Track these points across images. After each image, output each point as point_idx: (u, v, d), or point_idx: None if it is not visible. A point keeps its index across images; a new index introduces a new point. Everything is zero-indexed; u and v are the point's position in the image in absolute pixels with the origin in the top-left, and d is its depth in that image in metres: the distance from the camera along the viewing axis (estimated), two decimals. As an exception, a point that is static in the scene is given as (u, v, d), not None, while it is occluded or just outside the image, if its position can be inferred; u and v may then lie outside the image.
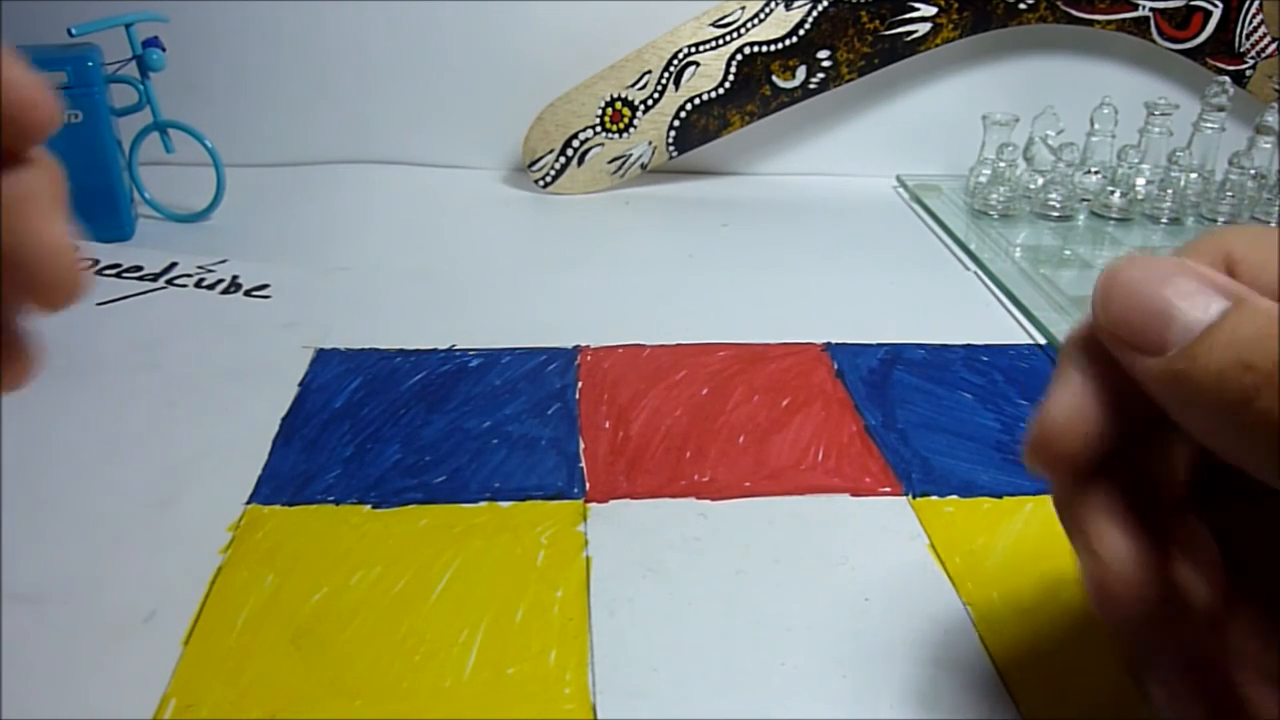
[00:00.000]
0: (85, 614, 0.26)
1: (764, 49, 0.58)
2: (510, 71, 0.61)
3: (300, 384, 0.37)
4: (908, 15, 0.58)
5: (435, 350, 0.40)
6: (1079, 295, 0.46)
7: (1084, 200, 0.57)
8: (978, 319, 0.45)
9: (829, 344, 0.41)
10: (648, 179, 0.61)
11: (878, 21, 0.58)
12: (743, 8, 0.58)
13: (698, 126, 0.59)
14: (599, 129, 0.58)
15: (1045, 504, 0.32)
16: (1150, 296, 0.19)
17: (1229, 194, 0.56)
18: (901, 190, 0.62)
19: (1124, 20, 0.60)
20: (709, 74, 0.58)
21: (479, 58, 0.61)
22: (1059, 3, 0.59)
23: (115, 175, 0.49)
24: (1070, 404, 0.21)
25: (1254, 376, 0.17)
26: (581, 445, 0.34)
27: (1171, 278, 0.19)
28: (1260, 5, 0.59)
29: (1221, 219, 0.56)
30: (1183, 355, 0.19)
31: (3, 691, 0.24)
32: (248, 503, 0.31)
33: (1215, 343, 0.18)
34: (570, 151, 0.59)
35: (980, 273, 0.50)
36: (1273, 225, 0.56)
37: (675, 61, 0.58)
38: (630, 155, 0.59)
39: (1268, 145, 0.55)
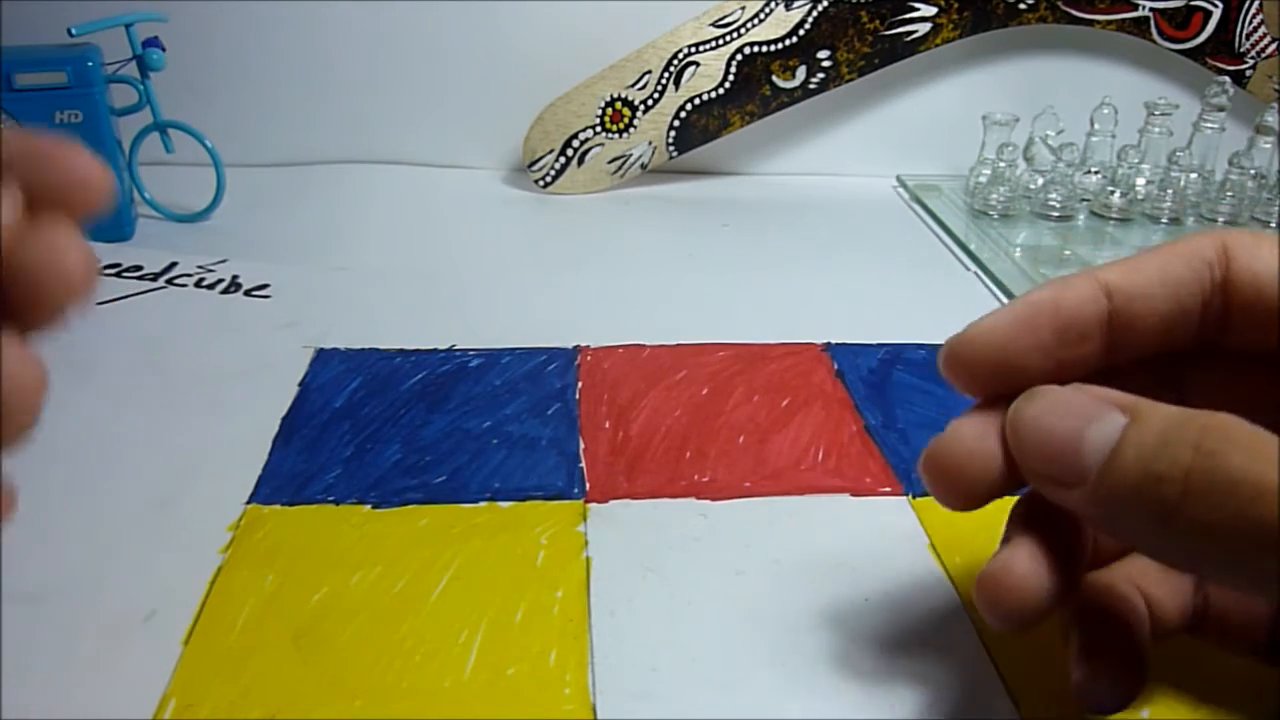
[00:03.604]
0: (85, 614, 0.26)
1: (764, 49, 0.58)
2: (510, 71, 0.61)
3: (300, 384, 0.37)
4: (908, 15, 0.58)
5: (435, 350, 0.40)
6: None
7: (1084, 200, 0.57)
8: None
9: (829, 344, 0.41)
10: (648, 179, 0.61)
11: (878, 21, 0.58)
12: (743, 8, 0.58)
13: (698, 126, 0.59)
14: (599, 129, 0.58)
15: (1045, 504, 0.32)
16: (1056, 431, 0.20)
17: (1229, 194, 0.56)
18: (901, 190, 0.62)
19: (1124, 20, 0.60)
20: (709, 74, 0.58)
21: (479, 58, 0.61)
22: (1059, 3, 0.59)
23: (115, 175, 0.49)
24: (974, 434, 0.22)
25: (1170, 487, 0.18)
26: (581, 445, 0.34)
27: (1069, 406, 0.20)
28: (1260, 5, 0.59)
29: (1221, 219, 0.56)
30: (1099, 481, 0.19)
31: (2, 691, 0.24)
32: (248, 503, 0.31)
33: (1124, 461, 0.19)
34: (570, 151, 0.59)
35: (980, 273, 0.50)
36: (1273, 225, 0.56)
37: (675, 61, 0.58)
38: (630, 155, 0.59)
39: (1268, 145, 0.55)
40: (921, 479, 0.23)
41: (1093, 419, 0.20)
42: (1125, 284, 0.22)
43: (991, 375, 0.23)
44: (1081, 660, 0.23)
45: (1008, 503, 0.32)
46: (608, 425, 0.35)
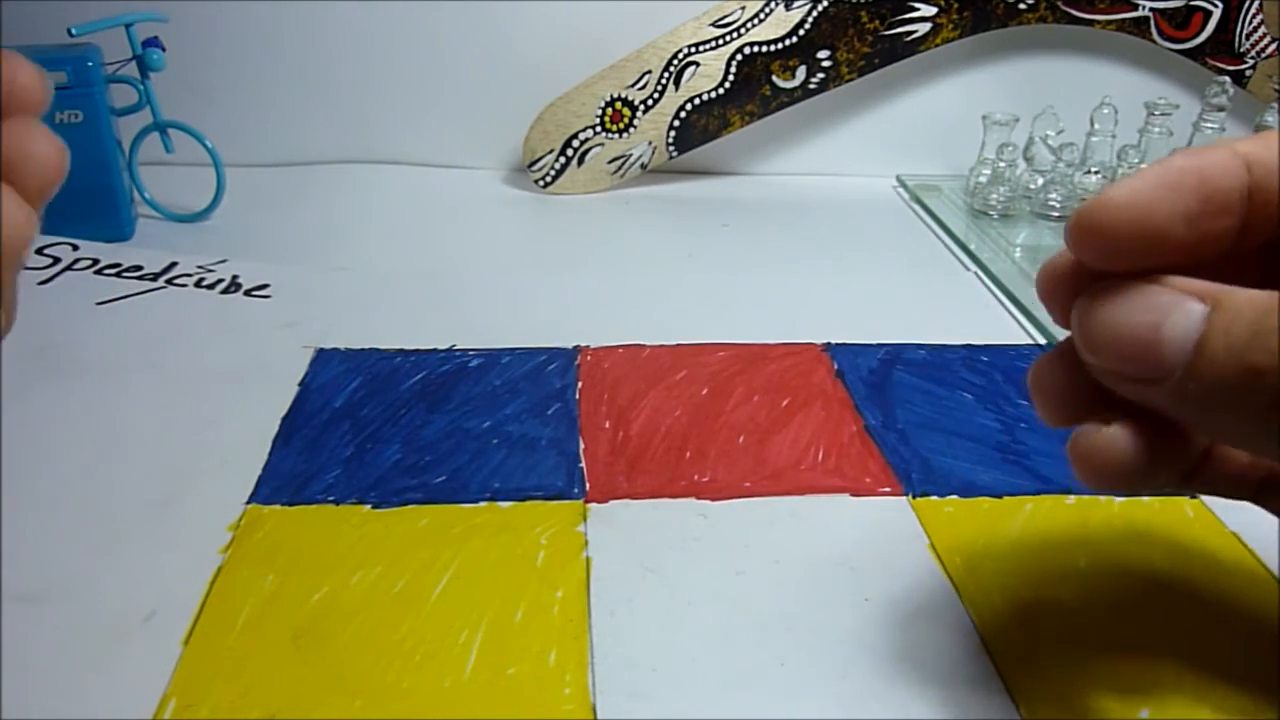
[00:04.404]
0: (85, 614, 0.26)
1: (764, 49, 0.58)
2: (510, 71, 0.61)
3: (300, 384, 0.37)
4: (908, 15, 0.58)
5: (435, 350, 0.40)
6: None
7: (1084, 200, 0.57)
8: (978, 319, 0.45)
9: (829, 344, 0.41)
10: (648, 179, 0.61)
11: (878, 21, 0.58)
12: (743, 8, 0.58)
13: (698, 126, 0.59)
14: (599, 129, 0.58)
15: (1045, 504, 0.32)
16: (1131, 327, 0.19)
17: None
18: (901, 190, 0.62)
19: (1124, 20, 0.60)
20: (709, 74, 0.58)
21: (479, 58, 0.61)
22: (1059, 3, 0.59)
23: (115, 175, 0.49)
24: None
25: (1270, 378, 0.17)
26: (581, 445, 0.34)
27: (1142, 299, 0.19)
28: (1260, 5, 0.59)
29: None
30: (1188, 376, 0.18)
31: (2, 691, 0.24)
32: (248, 503, 0.31)
33: (1214, 355, 0.17)
34: (570, 151, 0.59)
35: (980, 273, 0.50)
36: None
37: (675, 61, 0.58)
38: (630, 155, 0.59)
39: (1268, 145, 0.55)
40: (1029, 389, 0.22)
41: (1169, 311, 0.18)
42: (1265, 156, 0.20)
43: (1131, 243, 0.20)
44: (1127, 422, 0.20)
45: (1011, 510, 0.32)
46: (608, 425, 0.35)
